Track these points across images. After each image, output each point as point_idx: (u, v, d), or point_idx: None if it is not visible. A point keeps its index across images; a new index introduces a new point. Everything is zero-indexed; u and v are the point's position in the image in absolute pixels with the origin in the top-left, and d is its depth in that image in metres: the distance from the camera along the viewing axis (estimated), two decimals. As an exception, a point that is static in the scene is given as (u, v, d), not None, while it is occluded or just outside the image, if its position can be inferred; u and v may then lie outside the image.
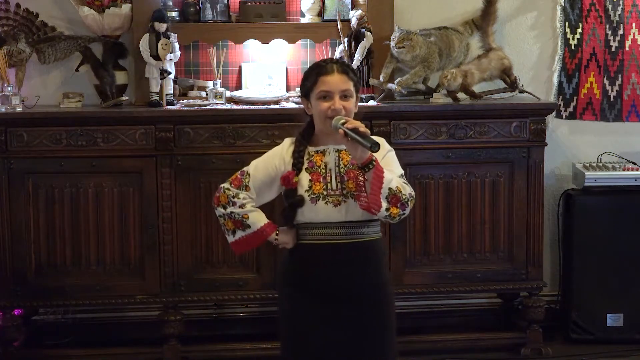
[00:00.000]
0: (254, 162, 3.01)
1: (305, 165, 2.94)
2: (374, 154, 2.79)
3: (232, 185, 2.96)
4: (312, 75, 2.96)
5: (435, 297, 4.56)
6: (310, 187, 2.90)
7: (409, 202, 2.85)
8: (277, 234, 2.96)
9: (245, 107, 4.23)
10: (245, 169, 2.99)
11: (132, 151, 4.09)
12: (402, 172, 2.96)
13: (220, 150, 4.10)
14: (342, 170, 2.91)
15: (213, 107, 4.21)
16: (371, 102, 4.28)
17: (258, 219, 2.95)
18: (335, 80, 2.91)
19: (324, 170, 2.92)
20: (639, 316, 4.44)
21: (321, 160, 2.94)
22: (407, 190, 2.86)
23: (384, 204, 2.81)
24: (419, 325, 4.53)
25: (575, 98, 4.73)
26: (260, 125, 4.11)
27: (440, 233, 4.24)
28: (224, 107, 4.24)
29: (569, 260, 4.50)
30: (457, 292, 4.29)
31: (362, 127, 2.80)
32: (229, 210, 2.94)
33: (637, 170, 4.48)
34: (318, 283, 2.91)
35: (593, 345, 4.40)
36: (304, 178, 2.92)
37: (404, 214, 2.85)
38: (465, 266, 4.26)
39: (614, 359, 4.31)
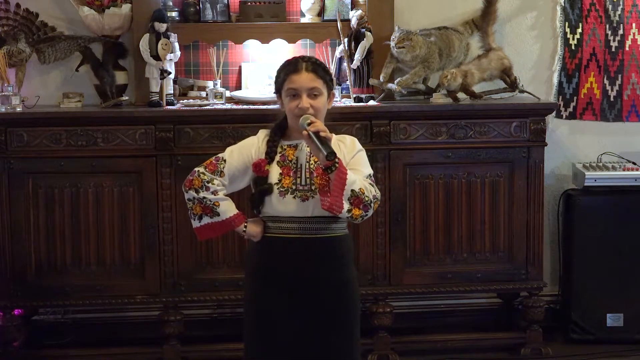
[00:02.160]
0: (229, 149, 3.02)
1: (277, 158, 2.96)
2: (341, 155, 2.86)
3: (207, 169, 2.95)
4: (282, 73, 2.99)
5: (435, 297, 4.55)
6: (280, 181, 2.92)
7: (373, 204, 2.87)
8: (245, 226, 2.97)
9: (245, 107, 4.23)
10: (220, 155, 3.00)
11: (132, 151, 4.09)
12: (371, 172, 2.98)
13: (220, 150, 4.04)
14: (312, 166, 2.92)
15: (213, 107, 4.21)
16: (371, 102, 4.28)
17: (228, 209, 2.96)
18: (302, 79, 2.93)
19: (294, 165, 2.94)
20: (639, 316, 4.44)
21: (293, 155, 2.96)
22: (372, 191, 2.88)
23: (346, 205, 2.83)
24: (419, 325, 4.54)
25: (575, 98, 4.73)
26: (260, 125, 4.03)
27: (440, 233, 4.24)
28: (224, 107, 4.24)
29: (569, 260, 4.50)
30: (457, 292, 4.29)
31: (324, 132, 2.82)
32: (201, 194, 2.92)
33: (637, 170, 4.48)
34: (283, 275, 2.93)
35: (593, 345, 4.40)
36: (275, 171, 2.94)
37: (366, 215, 2.87)
38: (465, 266, 4.26)
39: (614, 359, 4.31)
